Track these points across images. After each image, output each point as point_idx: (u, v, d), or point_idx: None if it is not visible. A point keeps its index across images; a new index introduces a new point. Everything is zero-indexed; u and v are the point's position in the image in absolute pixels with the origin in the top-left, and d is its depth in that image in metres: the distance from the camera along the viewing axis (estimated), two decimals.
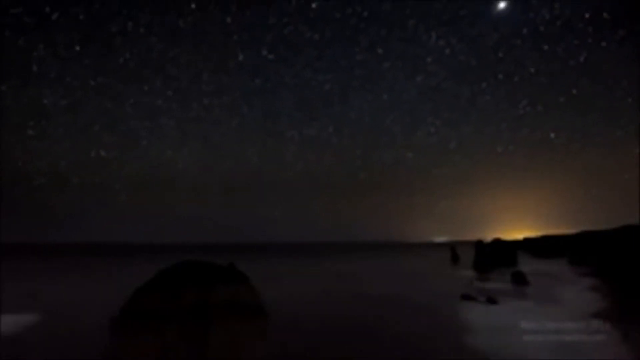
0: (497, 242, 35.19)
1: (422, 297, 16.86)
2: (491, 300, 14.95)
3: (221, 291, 6.74)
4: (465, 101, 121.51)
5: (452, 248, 44.72)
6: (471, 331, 10.34)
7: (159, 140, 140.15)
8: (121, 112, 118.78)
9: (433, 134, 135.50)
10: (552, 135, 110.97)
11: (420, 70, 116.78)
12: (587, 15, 72.27)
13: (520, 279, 20.87)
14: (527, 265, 32.57)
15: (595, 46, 78.38)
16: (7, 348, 8.67)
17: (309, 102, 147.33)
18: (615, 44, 75.70)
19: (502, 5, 73.59)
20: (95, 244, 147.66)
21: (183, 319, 6.34)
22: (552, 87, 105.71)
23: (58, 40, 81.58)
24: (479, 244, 33.85)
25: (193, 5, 75.38)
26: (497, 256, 33.13)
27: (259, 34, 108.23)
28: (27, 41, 76.36)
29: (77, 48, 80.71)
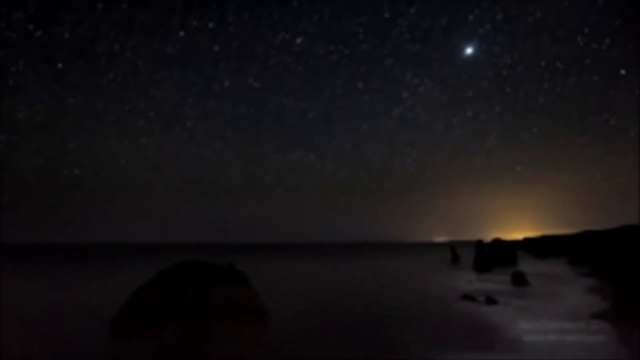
0: (497, 242, 35.23)
1: (422, 297, 16.86)
2: (491, 301, 14.94)
3: (221, 291, 6.71)
4: (439, 134, 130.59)
5: (452, 248, 44.73)
6: (471, 331, 10.34)
7: (139, 160, 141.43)
8: (100, 131, 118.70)
9: (409, 164, 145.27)
10: (519, 168, 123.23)
11: (398, 104, 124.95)
12: (542, 64, 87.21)
13: (520, 279, 20.87)
14: (527, 265, 32.58)
15: (551, 91, 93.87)
16: (8, 348, 8.67)
17: (292, 129, 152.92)
18: (567, 89, 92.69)
19: (469, 51, 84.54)
20: (95, 244, 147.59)
21: (183, 319, 6.31)
22: (516, 125, 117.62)
23: (40, 57, 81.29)
24: (479, 244, 33.86)
25: (182, 33, 76.87)
26: (497, 256, 33.16)
27: (245, 63, 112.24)
28: (7, 56, 75.24)
29: (59, 66, 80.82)
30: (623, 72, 71.90)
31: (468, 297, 15.82)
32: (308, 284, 21.90)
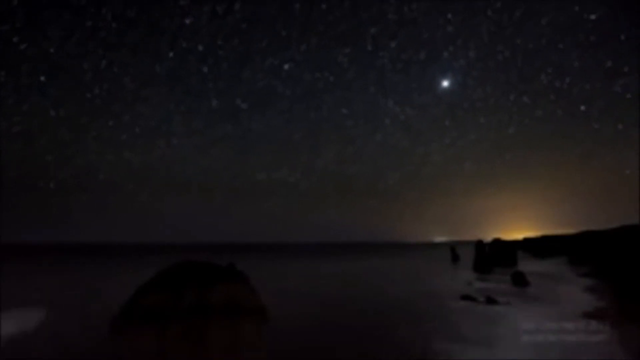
0: (497, 242, 35.19)
1: (422, 297, 16.86)
2: (491, 300, 14.95)
3: (221, 291, 6.71)
4: (419, 159, 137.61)
5: (452, 248, 44.75)
6: (470, 331, 10.34)
7: (120, 175, 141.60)
8: (80, 144, 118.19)
9: (392, 186, 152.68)
10: (491, 190, 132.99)
11: (380, 130, 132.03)
12: (512, 98, 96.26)
13: (520, 279, 20.87)
14: (527, 265, 32.57)
15: (519, 122, 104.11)
16: (8, 348, 8.67)
17: (279, 148, 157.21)
18: (535, 121, 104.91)
19: (445, 83, 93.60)
20: (95, 244, 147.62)
21: (183, 319, 6.31)
22: (490, 152, 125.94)
23: (22, 69, 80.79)
24: (479, 244, 33.84)
25: (171, 54, 77.92)
26: (497, 256, 33.12)
27: (234, 84, 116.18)
28: None
29: (42, 79, 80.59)
30: (583, 107, 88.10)
31: (468, 297, 15.83)
32: (308, 284, 21.89)
